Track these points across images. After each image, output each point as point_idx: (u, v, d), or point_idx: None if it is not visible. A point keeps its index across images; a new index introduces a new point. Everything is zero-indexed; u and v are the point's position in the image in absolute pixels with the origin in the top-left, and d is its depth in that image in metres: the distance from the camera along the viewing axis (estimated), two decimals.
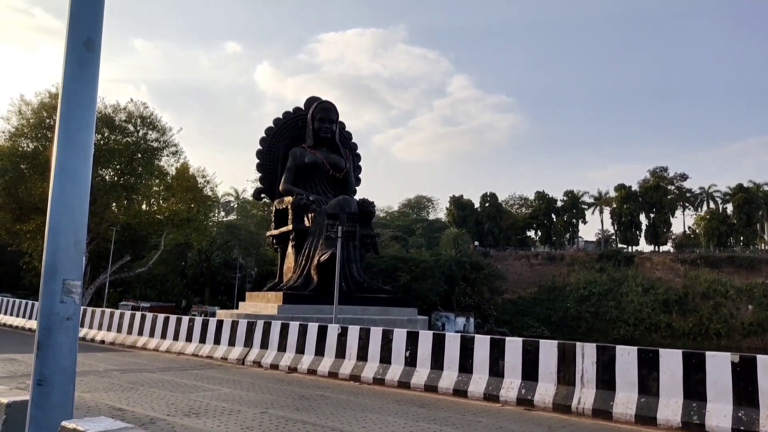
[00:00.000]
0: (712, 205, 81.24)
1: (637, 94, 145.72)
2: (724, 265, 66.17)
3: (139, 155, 38.98)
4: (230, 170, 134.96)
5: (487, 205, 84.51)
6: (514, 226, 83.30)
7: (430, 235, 75.43)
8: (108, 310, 19.26)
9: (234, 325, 14.16)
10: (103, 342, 17.73)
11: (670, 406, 7.74)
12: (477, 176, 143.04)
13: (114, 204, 41.79)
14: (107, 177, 39.83)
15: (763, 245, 79.89)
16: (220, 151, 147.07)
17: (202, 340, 14.74)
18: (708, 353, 7.83)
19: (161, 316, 16.50)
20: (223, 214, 75.63)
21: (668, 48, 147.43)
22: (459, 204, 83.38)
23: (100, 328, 18.52)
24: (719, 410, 7.42)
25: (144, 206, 44.40)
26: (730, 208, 78.34)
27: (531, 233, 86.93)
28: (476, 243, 79.37)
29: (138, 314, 17.75)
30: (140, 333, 16.96)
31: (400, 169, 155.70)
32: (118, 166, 39.42)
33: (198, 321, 15.39)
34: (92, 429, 2.80)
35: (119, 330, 17.79)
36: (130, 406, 7.81)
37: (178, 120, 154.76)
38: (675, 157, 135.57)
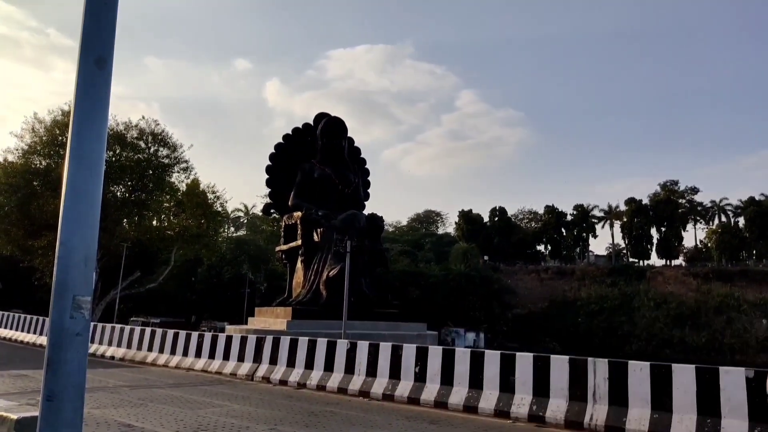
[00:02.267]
0: (723, 219, 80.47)
1: (645, 107, 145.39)
2: (737, 278, 65.32)
3: (150, 172, 39.30)
4: (240, 186, 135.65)
5: (496, 219, 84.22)
6: (523, 241, 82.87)
7: (440, 250, 75.16)
8: (118, 326, 19.31)
9: (243, 341, 14.14)
10: (113, 358, 17.75)
11: (684, 423, 7.62)
12: (486, 190, 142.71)
13: (125, 220, 42.10)
14: (119, 193, 40.17)
15: None
16: (229, 168, 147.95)
17: (211, 355, 14.72)
18: (722, 368, 7.72)
19: (171, 332, 16.51)
20: (233, 229, 75.94)
21: (677, 61, 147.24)
22: (468, 218, 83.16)
23: (110, 344, 18.55)
24: (734, 426, 7.29)
25: (155, 222, 44.67)
26: (742, 221, 77.53)
27: (541, 247, 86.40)
28: (486, 257, 79.00)
29: (148, 330, 17.79)
30: (150, 349, 16.96)
31: (409, 183, 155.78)
32: (129, 183, 39.77)
33: (207, 336, 15.38)
34: None
35: (129, 346, 17.81)
36: (140, 422, 7.80)
37: (188, 137, 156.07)
38: (685, 170, 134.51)
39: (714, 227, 80.00)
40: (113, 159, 38.65)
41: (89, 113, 3.42)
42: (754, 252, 76.62)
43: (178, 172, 41.38)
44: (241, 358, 13.94)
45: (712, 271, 68.38)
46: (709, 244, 79.54)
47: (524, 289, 68.34)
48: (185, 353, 15.52)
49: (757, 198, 76.19)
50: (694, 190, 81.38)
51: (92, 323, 20.45)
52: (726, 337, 57.82)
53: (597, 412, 8.35)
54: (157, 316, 44.07)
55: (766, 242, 76.24)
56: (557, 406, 8.75)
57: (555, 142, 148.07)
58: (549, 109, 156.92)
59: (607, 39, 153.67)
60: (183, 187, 42.73)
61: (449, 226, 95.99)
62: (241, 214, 75.54)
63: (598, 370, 8.57)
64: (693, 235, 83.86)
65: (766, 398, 7.18)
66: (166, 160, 40.28)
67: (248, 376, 13.39)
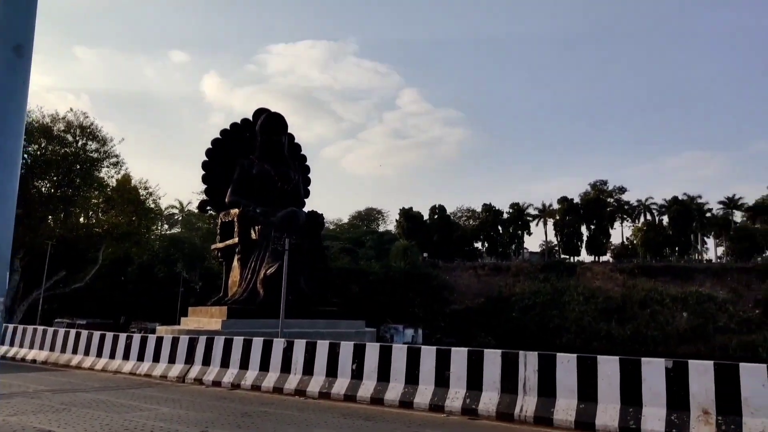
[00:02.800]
0: (648, 217, 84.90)
1: (577, 110, 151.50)
2: (661, 274, 69.10)
3: (78, 166, 37.54)
4: (175, 182, 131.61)
5: (436, 217, 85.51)
6: (462, 238, 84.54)
7: (380, 247, 75.58)
8: (41, 328, 18.28)
9: (174, 342, 13.70)
10: (34, 361, 16.80)
11: (608, 412, 7.96)
12: (426, 189, 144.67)
13: (50, 217, 40.01)
14: (43, 189, 38.12)
15: (696, 255, 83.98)
16: (164, 163, 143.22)
17: (141, 357, 14.18)
18: (643, 359, 8.10)
19: (97, 334, 15.78)
20: (166, 227, 73.54)
21: (606, 66, 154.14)
22: (408, 216, 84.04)
23: (31, 346, 17.54)
24: (654, 414, 7.67)
25: (82, 219, 42.69)
26: (665, 219, 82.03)
27: (478, 245, 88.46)
28: (425, 254, 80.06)
29: (72, 332, 16.92)
30: (75, 351, 16.16)
31: (351, 181, 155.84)
32: (55, 178, 37.82)
33: (136, 338, 14.80)
34: None
35: (52, 348, 16.90)
36: (61, 428, 7.41)
37: (120, 130, 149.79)
38: (614, 170, 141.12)
39: (640, 225, 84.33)
40: (38, 153, 36.62)
41: (6, 103, 3.20)
42: (677, 249, 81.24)
43: (108, 167, 39.82)
44: (172, 360, 13.50)
45: (637, 266, 72.05)
46: (635, 241, 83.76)
47: (462, 286, 69.73)
48: (112, 355, 14.88)
49: (680, 197, 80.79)
50: (622, 190, 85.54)
51: (12, 325, 19.30)
52: (650, 330, 61.04)
53: (527, 403, 8.60)
54: (84, 317, 42.06)
55: (688, 239, 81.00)
56: (489, 399, 8.96)
57: (493, 142, 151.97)
58: (488, 109, 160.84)
59: (542, 43, 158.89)
60: (113, 182, 41.12)
61: (390, 224, 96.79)
62: (175, 211, 73.24)
63: (529, 362, 8.82)
64: (620, 232, 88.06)
65: (682, 387, 7.60)
66: (95, 155, 38.59)
67: (179, 378, 12.98)
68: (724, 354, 50.65)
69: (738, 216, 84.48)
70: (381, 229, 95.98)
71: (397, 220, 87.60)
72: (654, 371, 7.87)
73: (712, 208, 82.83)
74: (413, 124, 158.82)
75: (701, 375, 7.55)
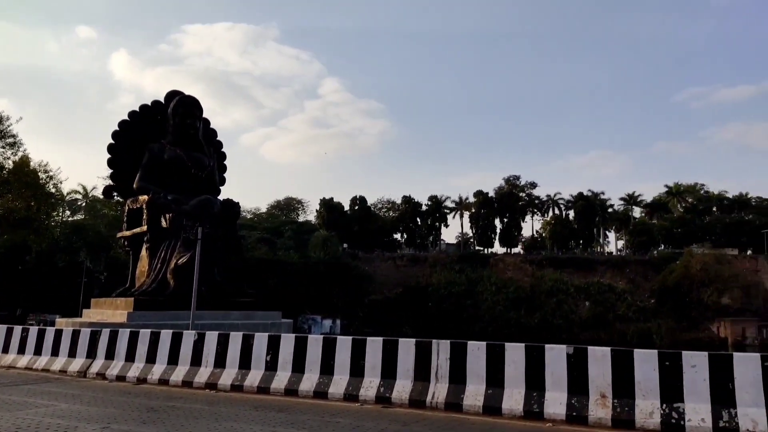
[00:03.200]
0: (557, 212, 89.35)
1: (494, 106, 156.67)
2: (566, 265, 73.06)
3: None
4: (79, 167, 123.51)
5: (356, 208, 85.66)
6: (382, 229, 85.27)
7: (300, 238, 74.76)
8: None
9: (75, 335, 12.90)
10: None
11: (514, 397, 8.31)
12: (347, 179, 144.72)
13: None
14: None
15: (599, 248, 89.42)
16: (67, 146, 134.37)
17: (38, 351, 13.26)
18: (547, 346, 8.51)
19: None
20: (68, 213, 68.96)
21: (524, 65, 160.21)
22: (329, 206, 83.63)
23: None
24: (556, 398, 8.09)
25: None
26: (572, 214, 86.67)
27: (398, 236, 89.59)
28: (345, 245, 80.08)
29: None
30: None
31: (270, 169, 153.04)
32: None
33: (33, 331, 13.82)
34: None
35: None
36: None
37: (18, 109, 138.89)
38: (527, 167, 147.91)
39: (548, 219, 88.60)
40: None
41: None
42: (581, 242, 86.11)
43: (4, 147, 36.89)
44: (72, 354, 12.71)
45: (545, 258, 75.77)
46: (544, 234, 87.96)
47: (381, 276, 70.45)
48: (5, 349, 13.85)
49: (585, 194, 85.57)
50: (533, 185, 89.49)
51: None
52: (555, 318, 64.49)
53: (438, 390, 8.82)
54: None
55: (591, 233, 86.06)
56: (403, 387, 9.10)
57: (414, 135, 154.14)
58: (409, 103, 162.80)
59: (466, 39, 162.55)
60: (9, 164, 38.13)
61: (310, 214, 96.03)
62: (79, 196, 68.72)
63: (441, 351, 9.04)
64: (531, 225, 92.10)
65: (582, 372, 8.06)
66: None
67: (80, 372, 12.26)
68: (622, 340, 54.43)
69: (637, 212, 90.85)
70: (301, 219, 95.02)
71: (317, 210, 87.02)
72: (556, 357, 8.29)
73: (613, 204, 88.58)
74: (335, 114, 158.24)
75: (599, 360, 8.03)
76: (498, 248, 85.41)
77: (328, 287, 58.37)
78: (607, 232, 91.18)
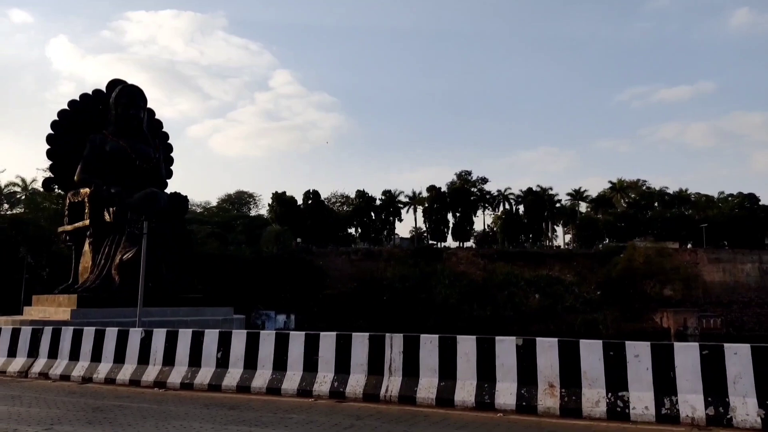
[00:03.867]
0: (507, 206, 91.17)
1: (447, 103, 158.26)
2: (517, 259, 74.70)
3: None
4: (16, 157, 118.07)
5: (309, 202, 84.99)
6: (336, 224, 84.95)
7: (252, 232, 73.62)
8: None
9: (15, 333, 12.35)
10: None
11: (466, 388, 8.45)
12: (300, 173, 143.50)
13: None
14: None
15: (547, 242, 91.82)
16: (3, 136, 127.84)
17: None
18: (497, 338, 8.68)
19: None
20: (6, 206, 65.79)
21: (474, 62, 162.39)
22: (281, 200, 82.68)
23: None
24: (506, 389, 8.27)
25: None
26: (522, 208, 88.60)
27: (352, 230, 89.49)
28: (299, 240, 79.38)
29: None
30: None
31: (219, 162, 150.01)
32: None
33: None
34: None
35: None
36: None
37: None
38: (478, 162, 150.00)
39: (499, 213, 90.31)
40: None
41: None
42: (531, 235, 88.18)
43: None
44: (12, 353, 12.18)
45: (497, 252, 77.27)
46: (495, 228, 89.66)
47: (335, 271, 70.22)
48: None
49: (534, 188, 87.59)
50: (484, 180, 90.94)
51: None
52: (507, 310, 65.88)
53: (392, 383, 8.88)
54: None
55: (540, 227, 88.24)
56: (356, 381, 9.11)
57: (367, 129, 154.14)
58: (363, 97, 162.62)
59: (418, 35, 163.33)
60: None
61: (262, 208, 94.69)
62: (17, 189, 65.65)
63: (395, 344, 9.09)
64: (482, 220, 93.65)
65: (531, 363, 8.26)
66: None
67: (21, 372, 11.75)
68: (570, 331, 56.13)
69: (583, 206, 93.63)
70: (252, 213, 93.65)
71: (269, 204, 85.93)
72: (506, 348, 8.47)
73: (561, 199, 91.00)
74: (286, 106, 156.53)
75: (547, 351, 8.25)
76: (451, 242, 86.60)
77: (282, 282, 57.79)
78: (555, 227, 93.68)
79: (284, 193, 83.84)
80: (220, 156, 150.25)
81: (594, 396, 7.85)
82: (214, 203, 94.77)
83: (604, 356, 7.98)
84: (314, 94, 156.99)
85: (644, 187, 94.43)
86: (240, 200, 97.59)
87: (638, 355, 7.84)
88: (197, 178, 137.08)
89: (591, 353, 8.06)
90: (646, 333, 55.48)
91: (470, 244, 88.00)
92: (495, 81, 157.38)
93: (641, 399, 7.64)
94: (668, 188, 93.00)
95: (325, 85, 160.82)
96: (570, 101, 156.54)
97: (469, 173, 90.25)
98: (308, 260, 66.30)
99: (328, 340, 9.64)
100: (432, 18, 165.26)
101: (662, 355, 7.76)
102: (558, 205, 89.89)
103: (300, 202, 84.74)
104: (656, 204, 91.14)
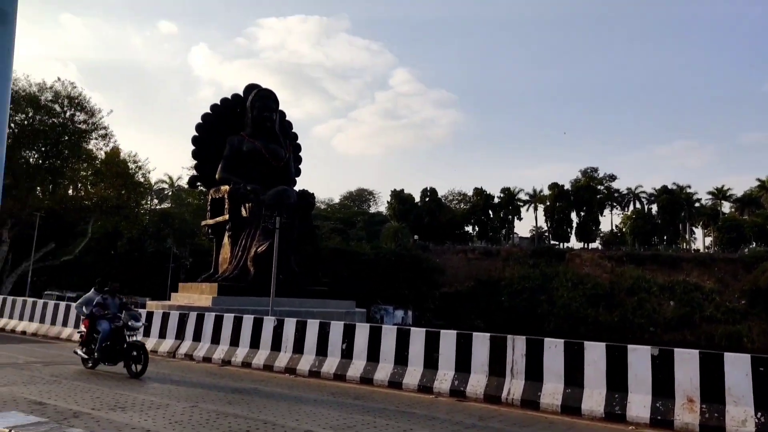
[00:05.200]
0: (638, 205, 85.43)
1: (570, 96, 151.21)
2: (648, 262, 69.76)
3: (66, 137, 37.14)
4: (164, 156, 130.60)
5: (427, 199, 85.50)
6: (452, 221, 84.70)
7: (371, 229, 75.68)
8: (30, 300, 18.28)
9: (165, 317, 13.75)
10: (24, 333, 16.83)
11: (594, 397, 8.11)
12: (418, 171, 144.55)
13: (38, 188, 39.68)
14: (31, 159, 37.73)
15: (684, 245, 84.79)
16: (153, 137, 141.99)
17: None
18: (630, 346, 8.24)
19: None
20: (156, 201, 73.14)
21: (601, 52, 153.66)
22: (400, 198, 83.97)
23: (21, 318, 17.58)
24: (639, 401, 7.83)
25: (71, 191, 42.38)
26: (655, 208, 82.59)
27: (469, 228, 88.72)
28: (416, 237, 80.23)
29: (62, 304, 16.94)
30: (65, 324, 16.21)
31: (342, 161, 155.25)
32: (43, 149, 37.42)
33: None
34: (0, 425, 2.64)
35: (42, 321, 16.93)
36: (52, 400, 7.46)
37: (108, 102, 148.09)
38: (605, 158, 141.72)
39: (629, 213, 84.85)
40: (25, 122, 36.15)
41: None
42: (665, 238, 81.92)
43: (97, 139, 39.43)
44: (162, 335, 13.56)
45: (625, 254, 72.69)
46: (624, 229, 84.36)
47: (452, 269, 70.05)
48: None
49: (669, 187, 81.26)
50: (612, 178, 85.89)
51: (1, 296, 19.25)
52: (636, 317, 61.83)
53: (514, 386, 8.75)
54: (74, 291, 41.98)
55: (676, 229, 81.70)
56: (477, 381, 9.09)
57: (486, 125, 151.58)
58: (482, 92, 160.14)
59: (538, 25, 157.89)
60: (102, 155, 40.73)
61: (381, 206, 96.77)
62: (165, 186, 72.75)
63: (517, 346, 8.95)
64: (610, 219, 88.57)
65: (668, 375, 7.74)
66: (84, 126, 38.15)
67: (170, 353, 13.06)
68: (709, 343, 51.53)
69: (726, 207, 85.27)
70: (372, 210, 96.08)
71: (388, 202, 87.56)
72: (640, 358, 8.01)
73: (700, 199, 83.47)
74: (405, 105, 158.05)
75: (686, 363, 7.69)
76: (574, 243, 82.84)
77: (400, 278, 58.75)
78: (693, 228, 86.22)
79: (402, 190, 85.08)
80: (342, 154, 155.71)
81: (740, 414, 7.20)
82: (336, 200, 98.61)
83: (753, 372, 7.28)
84: (432, 91, 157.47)
85: None
86: (360, 197, 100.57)
87: None
88: (321, 176, 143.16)
89: (737, 368, 7.40)
90: None
91: (596, 245, 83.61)
92: (623, 70, 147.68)
93: None
94: None
95: (443, 82, 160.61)
96: (711, 90, 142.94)
97: (595, 170, 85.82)
98: (425, 257, 66.73)
99: (448, 339, 9.70)
100: (551, 5, 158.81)
101: None
102: (697, 204, 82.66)
103: (417, 199, 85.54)
104: None
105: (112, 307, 10.53)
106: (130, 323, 10.21)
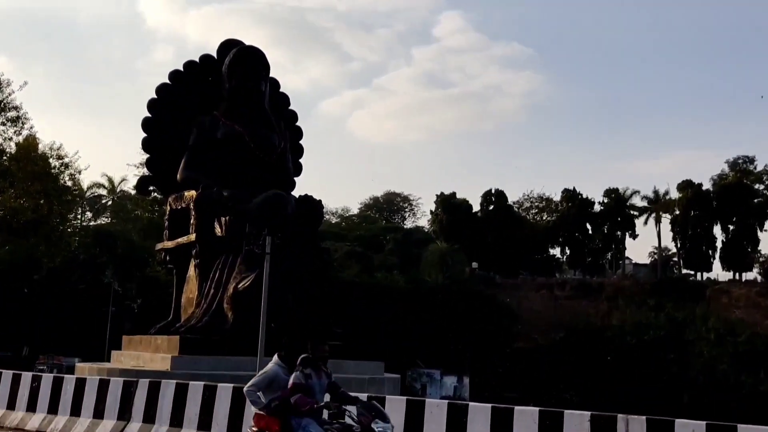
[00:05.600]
0: None
1: (702, 51, 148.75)
2: None
3: None
4: (102, 149, 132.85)
5: (491, 208, 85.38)
6: (531, 240, 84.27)
7: (407, 252, 75.73)
8: None
9: (102, 386, 13.96)
10: None
11: None
12: (476, 165, 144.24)
13: None
14: None
15: None
16: (85, 120, 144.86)
17: (53, 409, 14.47)
18: None
19: None
20: (89, 215, 74.47)
21: None
22: (449, 206, 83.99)
23: None
24: None
25: None
26: None
27: (556, 251, 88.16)
28: (475, 264, 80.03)
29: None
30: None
31: (362, 151, 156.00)
32: None
33: (46, 380, 15.11)
34: None
35: None
36: None
37: (21, 70, 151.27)
38: (760, 143, 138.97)
39: None
40: None
41: None
42: None
43: (4, 124, 40.24)
44: (99, 414, 13.75)
45: None
46: None
47: (531, 312, 69.65)
48: (11, 405, 15.22)
49: None
50: None
51: None
52: None
53: None
54: None
55: None
56: None
57: (578, 94, 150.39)
58: (570, 46, 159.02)
59: None
60: (11, 147, 41.53)
61: (422, 217, 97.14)
62: (103, 192, 74.16)
63: (632, 431, 8.84)
64: None
65: None
66: None
67: None
68: None
69: None
70: (408, 224, 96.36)
71: (432, 212, 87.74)
72: None
73: None
74: (457, 66, 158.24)
75: None
76: (719, 272, 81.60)
77: (452, 327, 58.57)
78: None
79: (453, 194, 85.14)
80: (363, 142, 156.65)
81: None
82: (355, 210, 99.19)
83: None
84: (498, 45, 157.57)
85: None
86: (390, 206, 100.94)
87: None
88: (332, 175, 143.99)
89: None
90: None
91: (753, 275, 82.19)
92: None
93: None
94: None
95: (514, 32, 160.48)
96: None
97: (751, 160, 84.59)
98: (490, 295, 66.48)
99: (526, 418, 9.68)
100: None
101: None
102: None
103: (476, 208, 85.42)
104: None
105: (319, 392, 8.33)
106: (374, 426, 7.76)
